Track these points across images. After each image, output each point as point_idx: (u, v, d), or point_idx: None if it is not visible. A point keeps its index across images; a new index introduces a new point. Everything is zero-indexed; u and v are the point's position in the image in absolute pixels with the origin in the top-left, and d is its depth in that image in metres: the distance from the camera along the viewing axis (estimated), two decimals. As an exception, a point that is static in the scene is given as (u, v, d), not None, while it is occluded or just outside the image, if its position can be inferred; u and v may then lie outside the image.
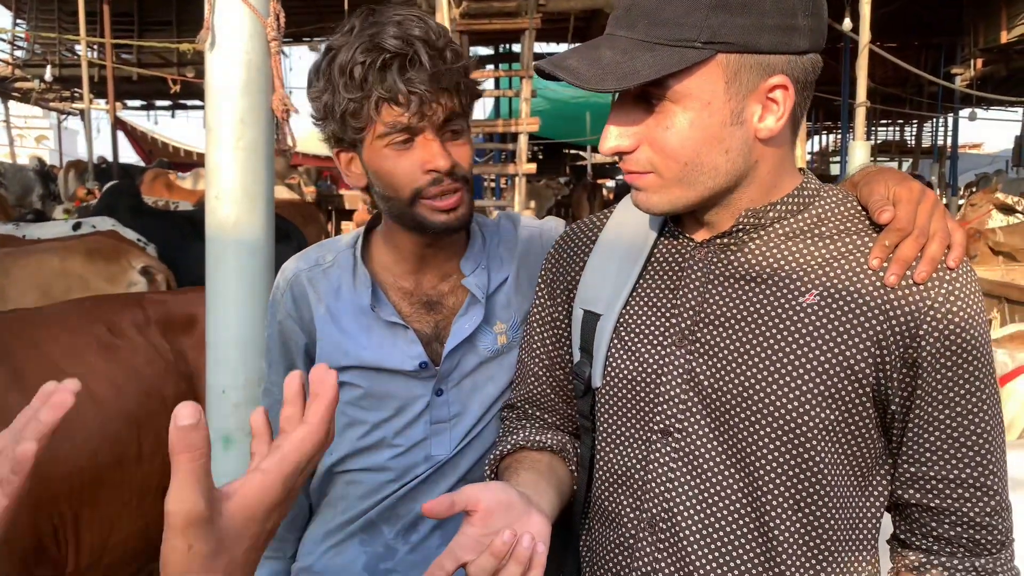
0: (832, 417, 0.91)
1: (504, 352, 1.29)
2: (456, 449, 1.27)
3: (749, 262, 0.96)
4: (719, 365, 0.95)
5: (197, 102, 16.83)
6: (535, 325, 1.19)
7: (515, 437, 1.16)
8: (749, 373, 0.93)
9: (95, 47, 12.86)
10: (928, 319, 0.88)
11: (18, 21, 14.29)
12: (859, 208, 0.97)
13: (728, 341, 0.95)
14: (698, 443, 0.96)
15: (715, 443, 0.95)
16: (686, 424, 0.97)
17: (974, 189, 12.80)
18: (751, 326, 0.94)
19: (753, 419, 0.93)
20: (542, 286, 1.18)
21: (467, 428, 1.28)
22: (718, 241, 0.97)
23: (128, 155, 18.57)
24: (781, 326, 0.92)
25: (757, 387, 0.92)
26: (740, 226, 0.95)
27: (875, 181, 0.98)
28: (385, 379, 1.27)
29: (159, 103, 17.50)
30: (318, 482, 1.38)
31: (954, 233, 0.93)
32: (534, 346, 1.19)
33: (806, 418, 0.91)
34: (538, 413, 1.20)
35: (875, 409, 0.93)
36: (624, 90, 0.88)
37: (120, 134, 14.34)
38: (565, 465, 1.13)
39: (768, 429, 0.92)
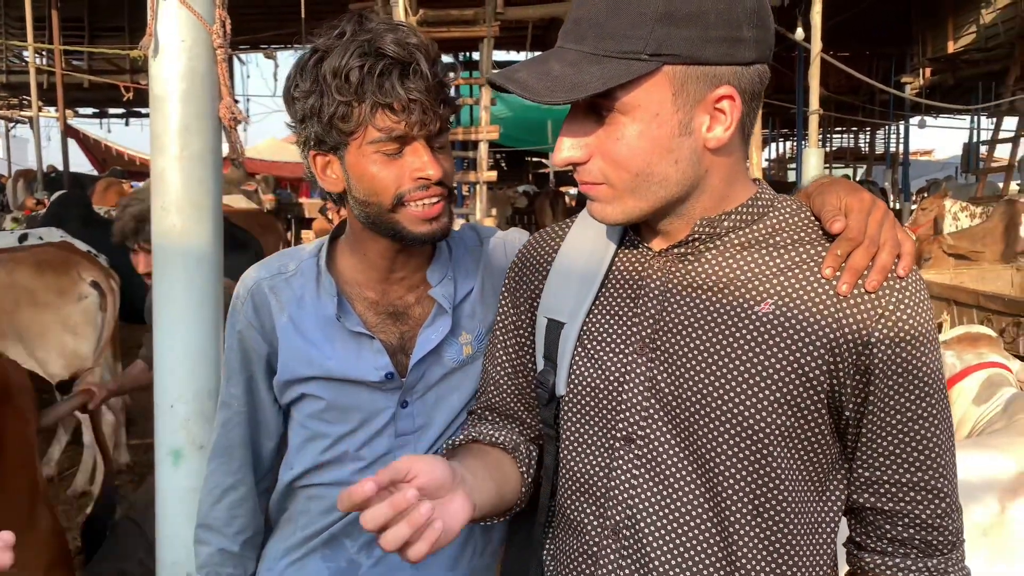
0: (788, 423, 0.93)
1: (469, 362, 1.28)
2: None
3: (706, 271, 0.97)
4: (679, 372, 0.96)
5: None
6: (498, 334, 1.19)
7: (470, 431, 1.16)
8: (707, 380, 0.94)
9: (44, 53, 12.58)
10: (879, 326, 0.91)
11: (-36, 27, 13.91)
12: (812, 218, 0.99)
13: (687, 349, 0.96)
14: (660, 450, 0.97)
15: (676, 450, 0.97)
16: (648, 431, 0.98)
17: (925, 195, 13.11)
18: (709, 334, 0.95)
19: (712, 425, 0.94)
20: (506, 295, 1.19)
21: (432, 440, 1.26)
22: (676, 251, 0.99)
23: (81, 164, 18.18)
24: (738, 334, 0.94)
25: (715, 394, 0.94)
26: (695, 235, 0.97)
27: (827, 192, 1.00)
28: (349, 390, 1.25)
29: (112, 111, 17.16)
30: (278, 497, 1.35)
31: (903, 242, 0.95)
32: (497, 355, 1.19)
33: (763, 424, 0.93)
34: (500, 420, 1.20)
35: (830, 415, 0.95)
36: (575, 102, 0.90)
37: (72, 142, 14.03)
38: (515, 465, 1.13)
39: (727, 435, 0.94)
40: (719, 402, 0.94)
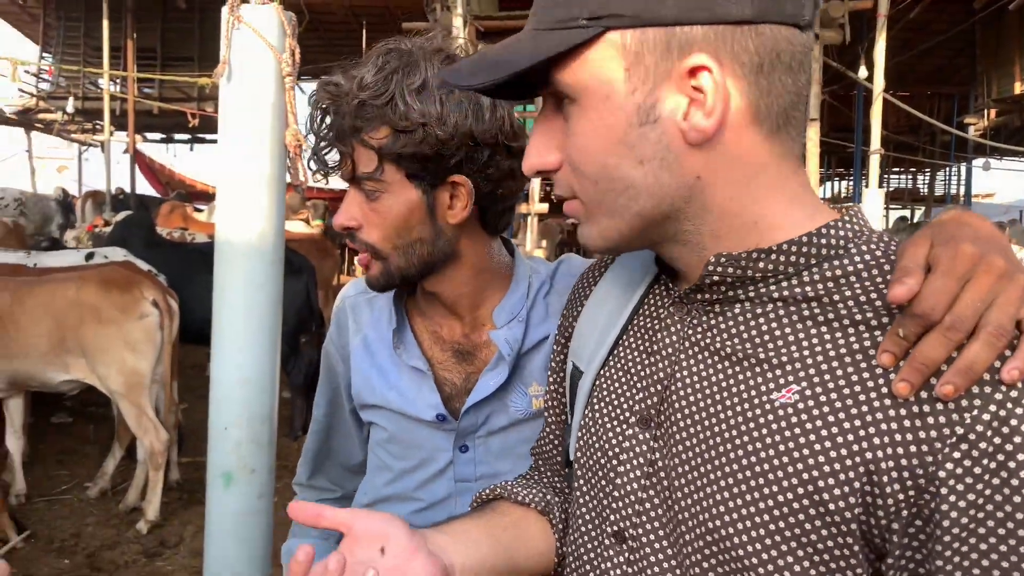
0: (798, 566, 0.65)
1: (540, 416, 1.17)
2: None
3: (728, 331, 0.72)
4: (678, 460, 0.73)
5: (215, 136, 17.05)
6: (549, 375, 1.05)
7: (496, 487, 1.00)
8: (703, 483, 0.70)
9: (117, 80, 13.10)
10: (955, 454, 0.59)
11: (44, 54, 14.60)
12: None
13: (691, 432, 0.72)
14: (653, 559, 0.75)
15: (672, 563, 0.73)
16: (642, 532, 0.76)
17: (988, 238, 12.73)
18: (716, 419, 0.70)
19: (707, 546, 0.69)
20: (557, 335, 1.04)
21: None
22: (697, 296, 0.74)
23: (146, 187, 18.80)
24: (744, 428, 0.68)
25: (710, 502, 0.69)
26: (711, 275, 0.71)
27: (922, 236, 0.67)
28: (409, 426, 1.20)
29: (178, 136, 17.75)
30: None
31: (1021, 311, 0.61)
32: (549, 398, 1.05)
33: (765, 563, 0.65)
34: (548, 473, 1.06)
35: (868, 565, 0.64)
36: (542, 88, 0.73)
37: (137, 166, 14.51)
38: (544, 526, 0.96)
39: (723, 568, 0.68)
40: (713, 516, 0.68)
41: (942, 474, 0.59)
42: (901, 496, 0.61)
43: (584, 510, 0.83)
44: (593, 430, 0.83)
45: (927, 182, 20.15)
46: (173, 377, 4.53)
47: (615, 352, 0.84)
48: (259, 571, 1.94)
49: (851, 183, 18.24)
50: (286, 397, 5.50)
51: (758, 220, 0.70)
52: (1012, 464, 0.57)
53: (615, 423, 0.80)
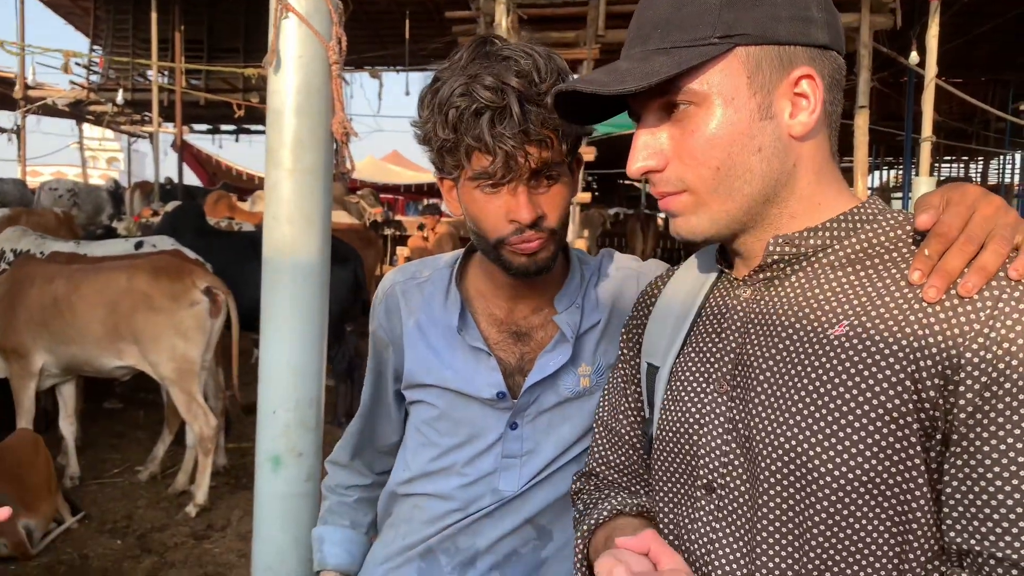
0: (867, 464, 0.76)
1: (585, 395, 1.25)
2: (524, 487, 1.24)
3: (788, 297, 0.87)
4: (755, 411, 0.85)
5: (260, 127, 17.29)
6: (619, 382, 1.11)
7: (607, 504, 1.03)
8: (779, 421, 0.82)
9: (165, 72, 13.34)
10: (974, 347, 0.72)
11: (94, 47, 14.93)
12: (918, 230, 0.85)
13: (764, 385, 0.85)
14: (740, 501, 0.86)
15: (759, 502, 0.85)
16: (728, 480, 0.87)
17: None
18: (783, 366, 0.84)
19: (792, 477, 0.81)
20: (624, 339, 1.12)
21: (538, 467, 1.25)
22: (760, 276, 0.89)
23: (192, 178, 19.15)
24: (808, 364, 0.81)
25: (788, 434, 0.81)
26: (773, 255, 0.87)
27: (933, 193, 0.85)
28: (462, 404, 1.26)
29: (224, 127, 18.03)
30: (386, 500, 1.39)
31: (1020, 233, 0.77)
32: (622, 406, 1.10)
33: (843, 471, 0.77)
34: (622, 480, 1.10)
35: (928, 459, 0.76)
36: (644, 101, 0.86)
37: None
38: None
39: (809, 488, 0.79)
40: (791, 444, 0.80)
41: (964, 361, 0.72)
42: (940, 386, 0.73)
43: (672, 474, 0.95)
44: (675, 407, 0.95)
45: (980, 171, 19.62)
46: (219, 364, 4.61)
47: (688, 341, 0.97)
48: (306, 552, 1.97)
49: (900, 172, 17.85)
50: (329, 385, 5.58)
51: (821, 202, 0.87)
52: (1015, 346, 0.70)
53: (695, 395, 0.93)
